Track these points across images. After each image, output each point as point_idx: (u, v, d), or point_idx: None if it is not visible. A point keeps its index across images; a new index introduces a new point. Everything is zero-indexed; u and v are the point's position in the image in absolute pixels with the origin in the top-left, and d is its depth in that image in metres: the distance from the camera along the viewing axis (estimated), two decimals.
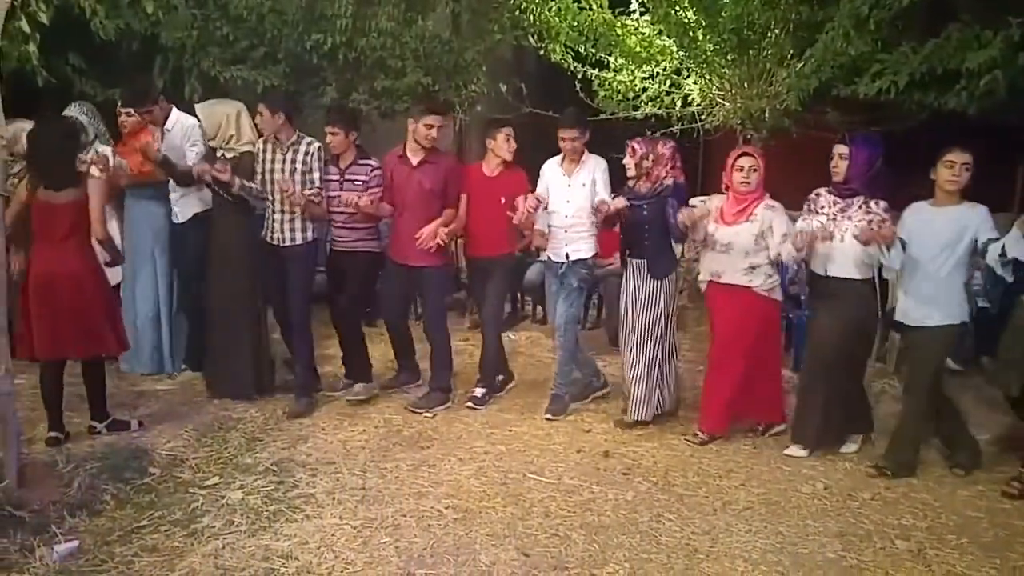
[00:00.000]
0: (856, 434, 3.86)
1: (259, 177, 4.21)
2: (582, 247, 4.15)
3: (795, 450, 3.77)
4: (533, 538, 2.95)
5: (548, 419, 4.18)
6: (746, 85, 5.63)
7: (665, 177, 3.91)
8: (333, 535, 2.95)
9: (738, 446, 3.87)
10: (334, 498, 3.25)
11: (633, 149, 3.94)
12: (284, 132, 4.16)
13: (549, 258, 4.27)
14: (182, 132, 4.52)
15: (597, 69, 6.19)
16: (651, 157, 3.90)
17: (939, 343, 3.51)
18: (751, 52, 5.50)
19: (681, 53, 5.79)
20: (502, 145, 4.24)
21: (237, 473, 3.46)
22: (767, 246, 3.71)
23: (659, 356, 4.04)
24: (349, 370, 4.62)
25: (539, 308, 6.25)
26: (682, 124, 6.23)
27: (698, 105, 6.04)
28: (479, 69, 6.40)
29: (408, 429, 4.02)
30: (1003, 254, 3.23)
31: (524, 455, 3.73)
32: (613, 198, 4.00)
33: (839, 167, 3.61)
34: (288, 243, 4.19)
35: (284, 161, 4.15)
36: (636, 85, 6.10)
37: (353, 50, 5.58)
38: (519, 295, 6.45)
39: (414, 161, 4.23)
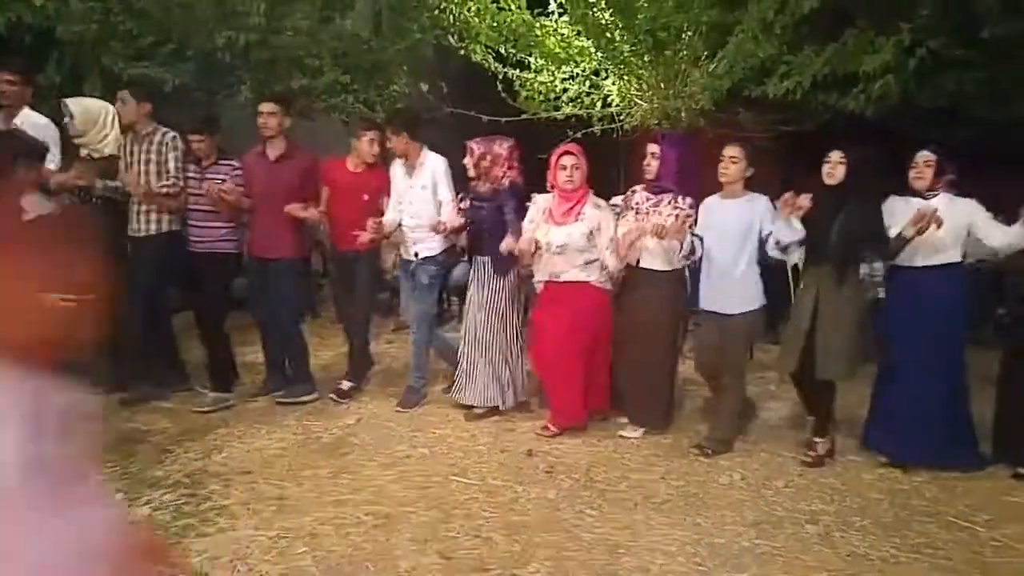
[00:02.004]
0: (641, 425, 3.98)
1: (122, 172, 4.12)
2: (431, 245, 4.25)
3: (629, 431, 3.96)
4: (455, 541, 2.92)
5: (398, 411, 4.27)
6: (662, 85, 5.76)
7: (503, 177, 4.01)
8: (248, 547, 2.84)
9: (658, 440, 3.94)
10: (249, 509, 3.13)
11: (471, 149, 4.03)
12: (141, 122, 4.09)
13: (403, 257, 4.40)
14: (32, 131, 4.25)
15: (518, 70, 6.21)
16: (488, 157, 3.99)
17: (748, 327, 3.77)
18: (666, 53, 5.63)
19: (599, 54, 5.88)
20: (364, 148, 4.31)
21: (144, 488, 3.29)
22: (596, 244, 3.86)
23: (497, 349, 4.13)
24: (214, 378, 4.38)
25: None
26: (603, 124, 6.33)
27: (617, 105, 6.14)
28: (400, 69, 6.34)
29: (328, 436, 3.93)
30: (778, 242, 3.54)
31: (447, 457, 3.70)
32: (459, 199, 4.11)
33: (651, 165, 3.82)
34: (143, 233, 4.11)
35: (140, 152, 4.08)
36: (557, 86, 6.16)
37: (268, 48, 5.43)
38: (446, 295, 6.39)
39: (272, 156, 4.21)
